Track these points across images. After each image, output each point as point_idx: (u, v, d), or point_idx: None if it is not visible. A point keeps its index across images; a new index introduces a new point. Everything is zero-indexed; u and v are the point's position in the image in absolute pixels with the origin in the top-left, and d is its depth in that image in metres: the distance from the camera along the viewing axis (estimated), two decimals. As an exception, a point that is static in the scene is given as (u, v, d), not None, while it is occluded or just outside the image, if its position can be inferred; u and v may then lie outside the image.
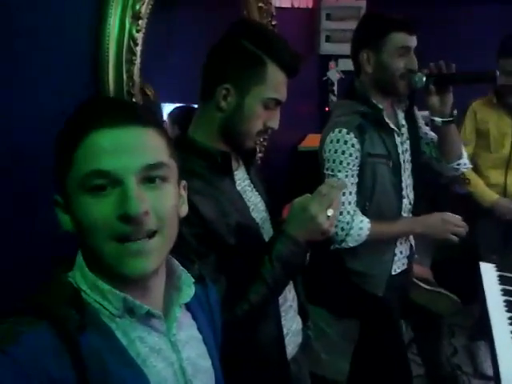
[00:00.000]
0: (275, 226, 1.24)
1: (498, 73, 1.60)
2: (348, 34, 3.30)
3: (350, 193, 1.55)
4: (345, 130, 1.52)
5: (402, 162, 1.66)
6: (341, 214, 1.52)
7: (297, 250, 1.06)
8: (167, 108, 2.47)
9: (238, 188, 1.16)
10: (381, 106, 1.60)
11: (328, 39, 3.28)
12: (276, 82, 1.08)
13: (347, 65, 3.36)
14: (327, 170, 1.56)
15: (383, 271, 1.67)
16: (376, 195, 1.60)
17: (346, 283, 1.68)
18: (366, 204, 1.60)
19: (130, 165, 0.63)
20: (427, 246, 2.34)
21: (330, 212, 1.05)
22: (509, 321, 1.48)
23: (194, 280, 0.77)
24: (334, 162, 1.53)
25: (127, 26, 1.06)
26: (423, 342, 2.27)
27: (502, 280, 1.70)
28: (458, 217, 1.62)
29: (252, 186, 1.23)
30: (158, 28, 1.62)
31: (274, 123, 1.12)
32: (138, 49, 1.09)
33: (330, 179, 1.11)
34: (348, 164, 1.53)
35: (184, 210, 0.76)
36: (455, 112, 1.63)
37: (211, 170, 1.09)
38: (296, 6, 2.78)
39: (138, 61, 1.10)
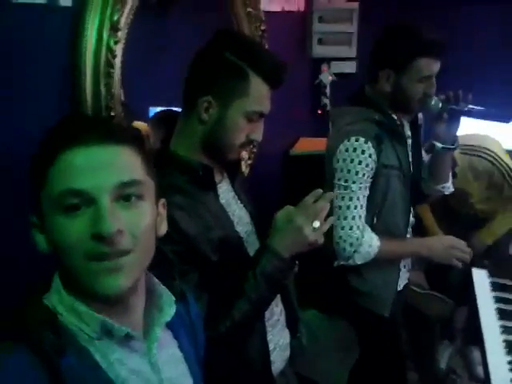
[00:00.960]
0: (262, 239, 1.22)
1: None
2: (341, 36, 3.31)
3: (361, 206, 1.49)
4: (362, 139, 1.45)
5: (409, 175, 1.62)
6: (350, 228, 1.46)
7: (281, 266, 1.04)
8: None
9: (222, 201, 1.14)
10: (394, 116, 1.57)
11: (320, 42, 3.25)
12: (259, 95, 1.06)
13: (340, 67, 3.37)
14: (339, 180, 1.48)
15: (390, 291, 1.63)
16: (385, 209, 1.55)
17: (349, 302, 1.64)
18: (373, 219, 1.54)
19: (103, 183, 0.62)
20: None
21: (316, 224, 1.03)
22: (501, 329, 1.47)
23: (174, 299, 0.76)
24: (348, 172, 1.46)
25: (105, 38, 1.03)
26: (417, 345, 2.25)
27: (494, 287, 1.69)
28: (464, 242, 1.58)
29: (236, 198, 1.21)
30: (145, 30, 1.61)
31: (257, 136, 1.10)
32: (117, 61, 1.07)
33: (316, 190, 1.07)
34: (363, 175, 1.47)
35: (163, 228, 0.74)
36: (458, 141, 1.62)
37: (193, 184, 1.07)
38: (287, 9, 2.76)
39: (116, 73, 1.08)
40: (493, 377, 1.27)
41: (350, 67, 3.31)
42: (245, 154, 2.04)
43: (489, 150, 2.26)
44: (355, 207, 1.46)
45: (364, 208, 1.49)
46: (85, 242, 0.61)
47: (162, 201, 0.75)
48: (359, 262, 1.50)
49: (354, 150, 1.45)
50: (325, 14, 3.24)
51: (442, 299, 2.33)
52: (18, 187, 0.74)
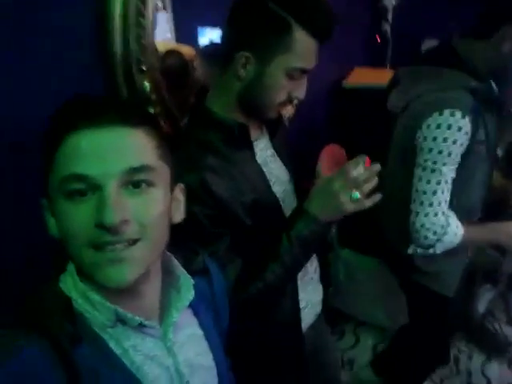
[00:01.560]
0: (301, 198, 1.18)
1: None
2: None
3: (448, 190, 1.30)
4: (459, 113, 1.22)
5: (493, 149, 1.44)
6: (435, 215, 1.30)
7: (317, 230, 1.00)
8: (210, 33, 2.32)
9: (259, 160, 1.10)
10: (493, 84, 1.35)
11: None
12: (304, 50, 0.96)
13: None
14: (426, 161, 1.28)
15: (457, 271, 1.53)
16: (468, 190, 1.39)
17: (409, 279, 1.56)
18: (452, 201, 1.35)
19: (110, 169, 0.59)
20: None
21: (355, 194, 0.97)
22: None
23: (193, 282, 0.75)
24: (440, 152, 1.25)
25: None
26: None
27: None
28: None
29: (276, 155, 1.16)
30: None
31: (300, 94, 1.02)
32: (149, 9, 0.98)
33: (361, 156, 0.98)
34: (456, 155, 1.27)
35: (179, 215, 0.72)
36: None
37: (228, 142, 1.02)
38: None
39: (148, 23, 1.00)
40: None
41: (417, -11, 2.97)
42: (290, 109, 1.92)
43: None
44: (442, 192, 1.29)
45: (449, 192, 1.31)
46: (89, 230, 0.59)
47: (181, 186, 0.72)
48: (439, 252, 1.35)
49: (449, 126, 1.23)
50: None
51: (488, 254, 2.25)
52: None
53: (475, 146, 1.30)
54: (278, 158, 1.17)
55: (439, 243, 1.33)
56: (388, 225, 1.55)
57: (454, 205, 1.35)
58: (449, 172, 1.28)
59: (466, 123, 1.23)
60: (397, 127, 1.45)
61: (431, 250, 1.35)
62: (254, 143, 1.09)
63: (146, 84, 1.04)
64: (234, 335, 0.89)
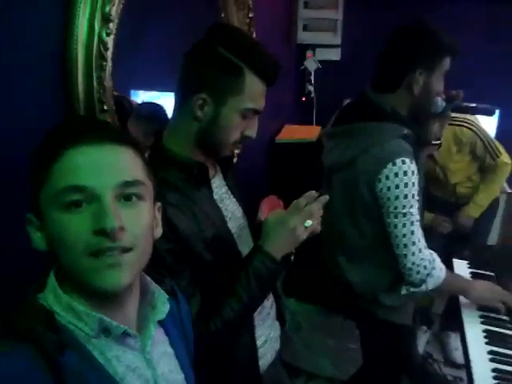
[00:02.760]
0: (254, 232, 1.23)
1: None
2: (326, 22, 3.30)
3: (420, 226, 1.41)
4: (408, 160, 1.35)
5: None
6: (420, 251, 1.40)
7: (273, 267, 1.05)
8: (143, 96, 2.41)
9: (216, 197, 1.14)
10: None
11: (305, 28, 3.25)
12: (254, 92, 1.04)
13: (324, 54, 3.37)
14: (396, 208, 1.37)
15: (414, 301, 1.62)
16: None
17: (367, 315, 1.62)
18: None
19: (106, 181, 0.63)
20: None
21: (308, 223, 1.05)
22: (481, 319, 1.51)
23: (168, 296, 0.78)
24: (405, 197, 1.36)
25: (96, 29, 1.00)
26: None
27: (474, 277, 1.74)
28: (506, 292, 1.54)
29: (229, 192, 1.21)
30: (130, 13, 1.57)
31: (252, 132, 1.10)
32: (109, 53, 1.04)
33: (309, 192, 1.07)
34: (416, 195, 1.38)
35: (158, 231, 0.76)
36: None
37: (188, 181, 1.06)
38: (273, -6, 2.72)
39: (108, 66, 1.05)
40: (474, 368, 1.31)
41: (334, 54, 3.33)
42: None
43: (470, 120, 2.31)
44: (417, 229, 1.40)
45: (421, 227, 1.42)
46: (86, 238, 0.62)
47: (158, 204, 0.77)
48: (431, 287, 1.43)
49: (405, 173, 1.35)
50: (310, 0, 3.22)
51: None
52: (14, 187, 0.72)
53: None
54: (231, 195, 1.21)
55: (429, 278, 1.42)
56: (354, 277, 1.60)
57: None
58: (416, 211, 1.40)
59: (414, 166, 1.37)
60: (338, 182, 1.54)
61: (424, 287, 1.43)
62: (211, 181, 1.13)
63: (108, 123, 1.07)
64: (196, 367, 0.89)
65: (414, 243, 1.40)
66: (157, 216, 0.75)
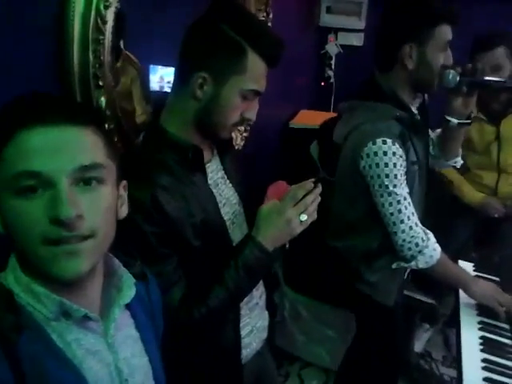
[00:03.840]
0: (250, 219, 1.20)
1: None
2: (350, 5, 3.20)
3: (409, 203, 1.40)
4: (389, 141, 1.34)
5: (425, 167, 1.56)
6: (411, 228, 1.39)
7: (264, 259, 1.03)
8: (161, 71, 2.37)
9: (210, 182, 1.11)
10: (413, 109, 1.49)
11: (329, 10, 3.15)
12: (256, 73, 1.01)
13: (347, 39, 3.27)
14: (380, 187, 1.37)
15: (396, 281, 1.59)
16: (418, 205, 1.47)
17: (352, 292, 1.61)
18: None
19: (62, 166, 0.60)
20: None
21: (303, 217, 1.03)
22: (479, 325, 1.47)
23: (135, 280, 0.77)
24: (387, 176, 1.35)
25: (94, 1, 0.96)
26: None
27: (478, 279, 1.69)
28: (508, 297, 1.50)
29: (226, 177, 1.18)
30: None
31: (252, 114, 1.06)
32: (108, 27, 1.00)
33: (305, 182, 1.04)
34: (401, 175, 1.37)
35: (124, 210, 0.74)
36: (473, 114, 1.56)
37: (182, 164, 1.03)
38: (296, -26, 2.64)
39: (106, 40, 1.01)
40: (465, 375, 1.27)
41: (357, 39, 3.23)
42: (240, 127, 2.00)
43: None
44: (405, 207, 1.39)
45: (411, 204, 1.41)
46: (42, 226, 0.59)
47: (124, 183, 0.74)
48: (421, 266, 1.43)
49: (385, 153, 1.34)
50: (336, -18, 3.12)
51: (426, 302, 2.36)
52: None
53: (409, 166, 1.42)
54: (228, 181, 1.18)
55: (421, 256, 1.42)
56: (339, 243, 1.61)
57: None
58: (401, 190, 1.38)
59: (397, 148, 1.35)
60: (341, 157, 1.54)
61: (413, 263, 1.43)
62: (206, 165, 1.10)
63: (102, 99, 1.04)
64: (173, 357, 0.88)
65: (402, 221, 1.40)
66: (122, 194, 0.73)
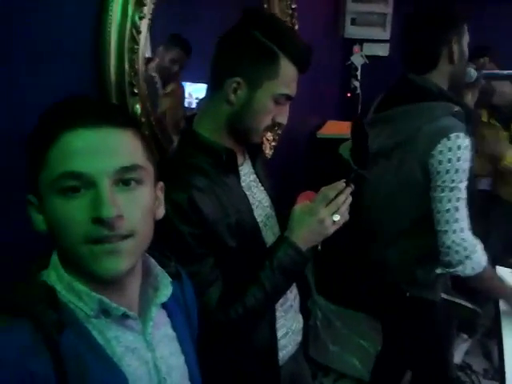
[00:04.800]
0: (282, 222, 1.21)
1: None
2: (375, 17, 3.22)
3: (466, 206, 1.36)
4: (462, 134, 1.34)
5: None
6: (462, 231, 1.34)
7: (298, 259, 1.04)
8: (189, 87, 2.43)
9: (243, 184, 1.13)
10: (468, 104, 1.54)
11: (353, 22, 3.18)
12: (288, 77, 1.03)
13: (372, 49, 3.29)
14: (444, 182, 1.34)
15: (444, 277, 1.58)
16: (468, 200, 1.43)
17: (400, 295, 1.59)
18: None
19: (104, 167, 0.62)
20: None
21: (336, 217, 1.04)
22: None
23: (171, 280, 0.78)
24: (456, 171, 1.33)
25: (130, 13, 1.01)
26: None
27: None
28: None
29: (257, 180, 1.20)
30: (174, 6, 1.59)
31: (283, 119, 1.08)
32: (142, 37, 1.05)
33: (337, 182, 1.06)
34: (468, 171, 1.36)
35: (161, 212, 0.75)
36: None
37: (216, 166, 1.06)
38: (320, -13, 2.68)
39: (141, 49, 1.06)
40: (508, 378, 1.24)
41: (382, 50, 3.24)
42: (269, 136, 2.02)
43: None
44: (463, 207, 1.36)
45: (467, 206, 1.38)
46: (84, 225, 0.61)
47: (161, 184, 0.75)
48: (467, 273, 1.37)
49: (459, 147, 1.33)
50: (360, -7, 3.15)
51: (466, 307, 2.29)
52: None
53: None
54: (259, 184, 1.20)
55: (468, 260, 1.36)
56: (388, 251, 1.59)
57: None
58: (464, 188, 1.36)
59: (468, 141, 1.35)
60: (384, 167, 1.53)
61: (460, 268, 1.37)
62: (239, 168, 1.13)
63: (138, 107, 1.08)
64: (209, 358, 0.89)
65: (456, 220, 1.35)
66: (159, 196, 0.74)
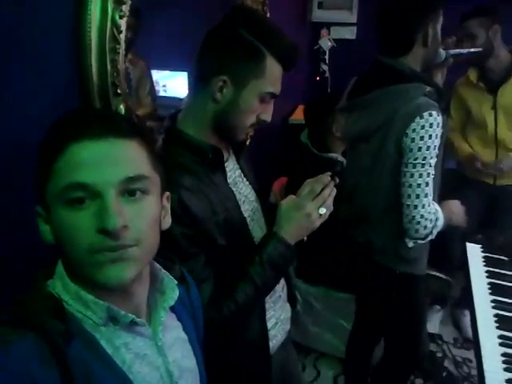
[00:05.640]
0: (267, 214, 1.24)
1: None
2: (341, 0, 3.23)
3: (433, 180, 1.45)
4: (434, 112, 1.40)
5: None
6: (429, 205, 1.43)
7: (287, 253, 1.07)
8: (156, 75, 2.40)
9: (229, 180, 1.14)
10: (440, 85, 1.59)
11: (321, 6, 3.19)
12: (274, 76, 1.04)
13: (340, 33, 3.31)
14: (416, 159, 1.41)
15: (427, 250, 1.66)
16: (437, 177, 1.53)
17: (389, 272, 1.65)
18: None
19: (109, 178, 0.62)
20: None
21: (322, 211, 1.07)
22: (492, 304, 1.51)
23: (176, 282, 0.79)
24: (427, 149, 1.40)
25: (109, 12, 0.99)
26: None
27: (487, 262, 1.73)
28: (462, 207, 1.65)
29: (242, 175, 1.22)
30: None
31: (268, 116, 1.10)
32: (122, 36, 1.03)
33: (322, 175, 1.09)
34: (436, 147, 1.42)
35: (167, 221, 0.76)
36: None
37: (202, 164, 1.06)
38: (287, -29, 2.67)
39: (122, 49, 1.04)
40: (483, 352, 1.31)
41: (349, 33, 3.26)
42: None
43: None
44: (432, 182, 1.44)
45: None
46: (90, 236, 0.62)
47: (167, 194, 0.76)
48: (434, 237, 1.50)
49: (431, 125, 1.39)
50: (326, -23, 3.15)
51: (440, 278, 2.39)
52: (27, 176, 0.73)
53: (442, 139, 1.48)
54: (244, 179, 1.22)
55: (435, 229, 1.47)
56: (367, 228, 1.65)
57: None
58: (434, 163, 1.44)
59: (440, 119, 1.41)
60: (366, 150, 1.58)
61: (429, 237, 1.48)
62: (225, 164, 1.14)
63: (121, 107, 1.07)
64: (205, 350, 0.91)
65: (426, 195, 1.44)
66: (165, 205, 0.75)
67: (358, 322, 2.04)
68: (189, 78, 2.19)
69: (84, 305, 0.66)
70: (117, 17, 1.01)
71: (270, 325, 1.21)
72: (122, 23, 1.03)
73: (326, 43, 3.22)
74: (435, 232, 1.48)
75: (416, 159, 1.42)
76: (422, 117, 1.39)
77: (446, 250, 2.36)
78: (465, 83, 2.42)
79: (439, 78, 1.68)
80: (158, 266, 0.79)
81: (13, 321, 0.61)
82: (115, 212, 0.61)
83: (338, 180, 1.11)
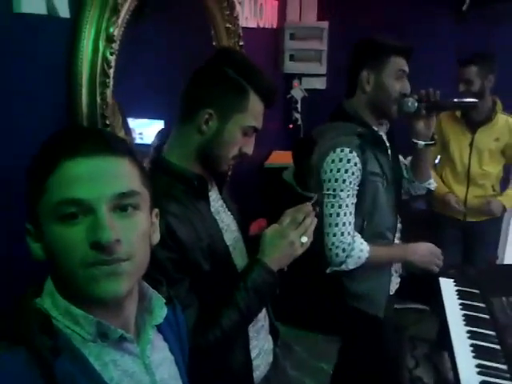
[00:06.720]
0: (248, 245, 1.27)
1: (477, 101, 1.86)
2: (311, 53, 3.44)
3: (350, 213, 1.55)
4: (347, 149, 1.52)
5: (392, 182, 1.70)
6: (342, 234, 1.53)
7: (271, 280, 1.10)
8: (132, 123, 2.45)
9: (212, 209, 1.18)
10: (375, 128, 1.65)
11: (292, 58, 3.37)
12: (256, 111, 1.12)
13: (310, 83, 3.49)
14: (328, 190, 1.55)
15: (383, 292, 1.69)
16: (375, 215, 1.61)
17: (343, 306, 1.69)
18: (363, 224, 1.60)
19: (102, 193, 0.64)
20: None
21: (304, 239, 1.11)
22: (468, 334, 1.55)
23: (164, 301, 0.79)
24: (336, 181, 1.53)
25: (101, 48, 1.05)
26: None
27: (461, 295, 1.78)
28: (439, 250, 1.70)
29: (224, 206, 1.25)
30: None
31: (249, 149, 1.16)
32: (112, 71, 1.09)
33: (304, 205, 1.14)
34: (350, 183, 1.53)
35: (156, 237, 0.77)
36: (435, 135, 1.75)
37: (187, 193, 1.10)
38: (261, 26, 2.84)
39: (111, 83, 1.10)
40: (462, 379, 1.33)
41: (320, 83, 3.44)
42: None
43: None
44: (344, 214, 1.53)
45: (353, 214, 1.56)
46: (83, 250, 0.62)
47: (156, 211, 0.77)
48: (351, 267, 1.56)
49: (340, 160, 1.52)
50: (296, 32, 3.36)
51: (418, 309, 2.42)
52: (16, 198, 0.74)
53: (369, 177, 1.58)
54: (226, 209, 1.26)
55: (349, 259, 1.55)
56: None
57: (364, 228, 1.59)
58: (347, 197, 1.54)
59: (353, 156, 1.52)
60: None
61: (344, 266, 1.56)
62: (209, 194, 1.18)
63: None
64: (191, 377, 0.90)
65: (337, 225, 1.53)
66: (154, 222, 0.76)
67: (338, 362, 2.02)
68: (165, 125, 2.26)
69: (73, 320, 0.66)
70: (107, 53, 1.07)
71: (253, 354, 1.21)
72: (113, 59, 1.08)
73: (297, 93, 3.38)
74: (351, 262, 1.55)
75: (328, 190, 1.55)
76: (334, 151, 1.54)
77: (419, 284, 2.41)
78: (450, 116, 2.53)
79: (421, 127, 1.67)
80: (146, 284, 0.79)
81: (1, 336, 0.61)
82: (108, 226, 0.62)
83: (318, 209, 1.16)
